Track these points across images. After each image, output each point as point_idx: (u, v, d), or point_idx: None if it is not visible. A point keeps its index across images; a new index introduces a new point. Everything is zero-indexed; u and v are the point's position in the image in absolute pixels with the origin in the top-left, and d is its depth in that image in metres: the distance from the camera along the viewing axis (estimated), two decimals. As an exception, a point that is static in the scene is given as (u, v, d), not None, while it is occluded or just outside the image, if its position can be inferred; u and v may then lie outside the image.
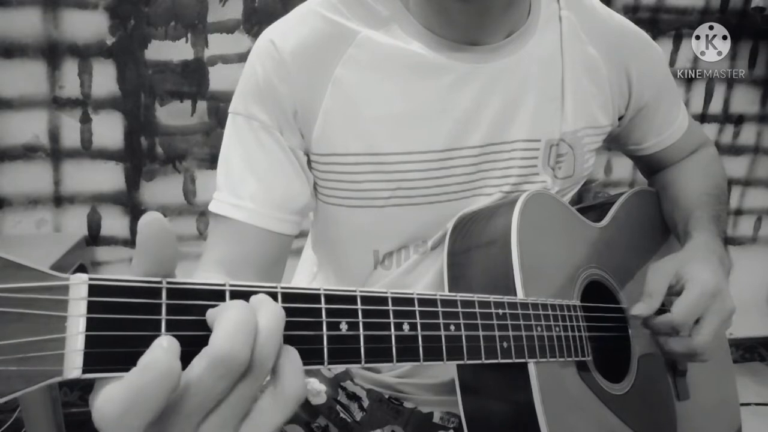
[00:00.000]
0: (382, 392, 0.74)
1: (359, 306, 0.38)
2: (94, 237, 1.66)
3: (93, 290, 0.28)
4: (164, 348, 0.28)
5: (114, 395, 0.27)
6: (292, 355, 0.32)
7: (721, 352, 0.80)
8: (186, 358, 0.29)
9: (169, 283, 0.31)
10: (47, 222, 1.63)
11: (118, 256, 1.69)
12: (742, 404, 0.81)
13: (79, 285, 0.28)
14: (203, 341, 0.30)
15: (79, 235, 1.62)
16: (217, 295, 0.32)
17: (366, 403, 0.74)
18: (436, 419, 0.73)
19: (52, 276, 0.28)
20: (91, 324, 0.28)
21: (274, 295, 0.34)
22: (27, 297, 0.27)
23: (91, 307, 0.28)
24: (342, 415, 0.74)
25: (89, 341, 0.28)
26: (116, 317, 0.29)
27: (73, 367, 0.27)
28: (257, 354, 0.30)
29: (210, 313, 0.31)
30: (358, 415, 0.73)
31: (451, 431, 0.73)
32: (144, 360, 0.28)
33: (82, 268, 1.59)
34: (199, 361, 0.29)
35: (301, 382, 0.32)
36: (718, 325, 0.62)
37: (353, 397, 0.74)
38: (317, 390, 0.75)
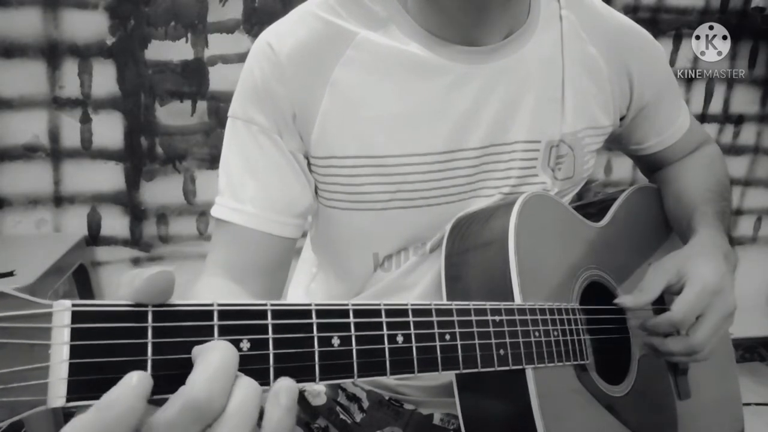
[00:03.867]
0: (382, 394, 0.74)
1: (351, 320, 0.37)
2: (94, 237, 1.66)
3: (76, 316, 0.28)
4: (132, 386, 0.27)
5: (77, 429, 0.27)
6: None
7: (724, 350, 0.79)
8: (175, 381, 0.29)
9: (155, 305, 0.30)
10: (47, 222, 1.63)
11: (118, 256, 1.69)
12: (743, 404, 0.81)
13: (62, 312, 0.28)
14: (191, 365, 0.30)
15: (79, 235, 1.62)
16: (205, 315, 0.32)
17: (366, 404, 0.74)
18: (436, 421, 0.73)
19: (35, 303, 0.27)
20: (75, 351, 0.28)
21: (263, 313, 0.34)
22: (9, 326, 0.26)
23: (75, 333, 0.28)
24: (342, 416, 0.73)
25: (73, 369, 0.28)
26: (101, 343, 0.28)
27: (57, 396, 0.27)
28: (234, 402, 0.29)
29: (195, 350, 0.31)
30: (358, 417, 0.73)
31: (450, 432, 0.73)
32: (108, 397, 0.27)
33: (82, 268, 1.59)
34: (174, 402, 0.28)
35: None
36: (718, 323, 0.61)
37: (353, 398, 0.74)
38: (317, 391, 0.75)
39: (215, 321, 0.32)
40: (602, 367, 0.61)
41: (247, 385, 0.30)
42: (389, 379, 0.73)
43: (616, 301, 0.63)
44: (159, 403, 0.30)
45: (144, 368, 0.29)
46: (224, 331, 0.32)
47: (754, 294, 2.18)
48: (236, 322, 0.32)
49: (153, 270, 0.30)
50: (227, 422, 0.29)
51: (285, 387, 0.31)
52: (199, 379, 0.28)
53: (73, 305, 0.28)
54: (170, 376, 0.29)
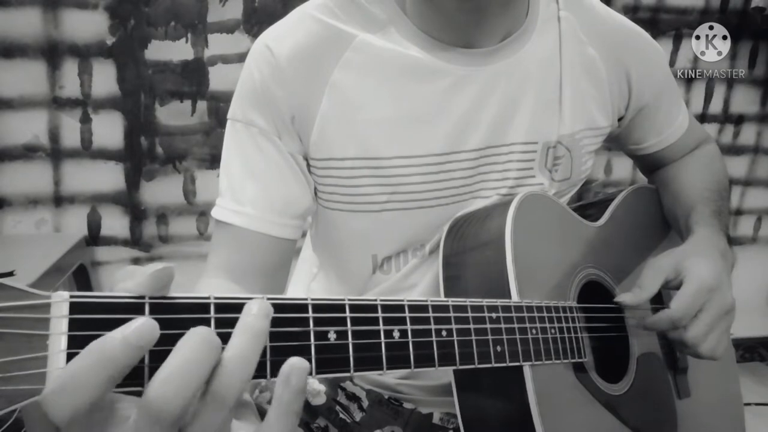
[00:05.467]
0: (381, 393, 0.74)
1: (348, 314, 0.37)
2: (94, 237, 1.67)
3: (74, 308, 0.28)
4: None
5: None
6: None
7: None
8: None
9: (152, 297, 0.31)
10: (47, 222, 1.63)
11: (118, 256, 1.69)
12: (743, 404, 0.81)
13: (60, 303, 0.28)
14: None
15: (79, 235, 1.62)
16: (201, 308, 0.32)
17: (365, 403, 0.74)
18: (435, 420, 0.73)
19: (34, 294, 0.28)
20: (72, 341, 0.28)
21: None
22: (8, 316, 0.26)
23: (73, 324, 0.28)
24: (341, 415, 0.74)
25: (71, 359, 0.28)
26: (98, 333, 0.28)
27: None
28: (199, 405, 0.29)
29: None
30: (358, 416, 0.73)
31: (450, 432, 0.73)
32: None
33: (81, 268, 1.59)
34: (138, 407, 0.28)
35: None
36: (714, 320, 0.61)
37: (353, 397, 0.74)
38: (317, 390, 0.75)
39: (212, 314, 0.32)
40: (601, 366, 0.61)
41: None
42: (389, 378, 0.73)
43: (616, 299, 0.63)
44: None
45: (141, 359, 0.29)
46: (221, 324, 0.32)
47: (754, 294, 2.19)
48: (233, 315, 0.32)
49: (157, 266, 0.30)
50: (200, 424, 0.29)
51: (296, 368, 0.31)
52: (154, 382, 0.28)
53: (71, 296, 0.28)
54: None
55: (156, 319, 0.30)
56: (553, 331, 0.54)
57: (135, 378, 0.29)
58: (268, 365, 0.34)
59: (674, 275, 0.64)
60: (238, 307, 0.33)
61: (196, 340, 0.29)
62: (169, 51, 1.59)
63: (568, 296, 0.60)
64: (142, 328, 0.27)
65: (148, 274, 0.30)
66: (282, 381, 0.31)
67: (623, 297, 0.62)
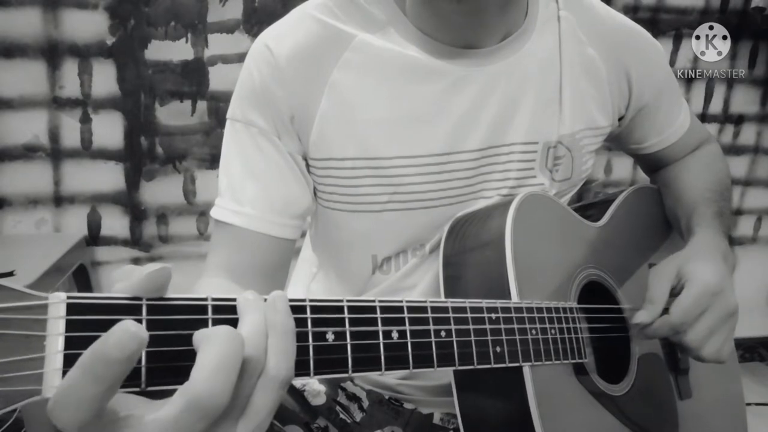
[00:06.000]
0: (382, 393, 0.74)
1: (346, 315, 0.38)
2: (94, 237, 1.66)
3: (71, 309, 0.28)
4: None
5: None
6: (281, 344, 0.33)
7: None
8: (168, 373, 0.29)
9: (149, 299, 0.31)
10: (47, 222, 1.63)
11: (118, 256, 1.69)
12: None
13: (57, 304, 0.28)
14: (186, 356, 0.30)
15: (79, 235, 1.62)
16: (199, 310, 0.32)
17: (366, 403, 0.74)
18: (436, 420, 0.73)
19: (31, 295, 0.28)
20: (69, 343, 0.28)
21: None
22: (5, 317, 0.26)
23: (70, 325, 0.28)
24: (342, 415, 0.73)
25: (68, 360, 0.28)
26: (95, 335, 0.28)
27: (53, 386, 0.27)
28: (240, 392, 0.30)
29: (196, 337, 0.31)
30: (358, 416, 0.73)
31: (450, 432, 0.73)
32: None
33: (81, 268, 1.59)
34: (178, 400, 0.28)
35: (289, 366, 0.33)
36: (715, 323, 0.61)
37: (353, 397, 0.74)
38: (317, 390, 0.75)
39: (209, 315, 0.32)
40: (602, 366, 0.61)
41: (250, 377, 0.31)
42: (389, 379, 0.73)
43: (634, 321, 0.61)
44: (153, 394, 0.30)
45: (138, 360, 0.29)
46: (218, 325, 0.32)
47: (754, 294, 2.18)
48: (230, 317, 0.33)
49: (153, 267, 0.30)
50: (239, 410, 0.31)
51: (277, 295, 0.34)
52: (201, 375, 0.28)
53: (68, 297, 0.28)
54: (164, 369, 0.29)
55: (153, 320, 0.30)
56: (553, 331, 0.54)
57: (133, 379, 0.29)
58: None
59: (676, 281, 0.63)
60: (235, 309, 0.33)
61: (225, 336, 0.29)
62: (169, 51, 1.59)
63: (568, 297, 0.60)
64: (125, 339, 0.26)
65: (145, 275, 0.30)
66: (270, 309, 0.33)
67: (639, 316, 0.61)
